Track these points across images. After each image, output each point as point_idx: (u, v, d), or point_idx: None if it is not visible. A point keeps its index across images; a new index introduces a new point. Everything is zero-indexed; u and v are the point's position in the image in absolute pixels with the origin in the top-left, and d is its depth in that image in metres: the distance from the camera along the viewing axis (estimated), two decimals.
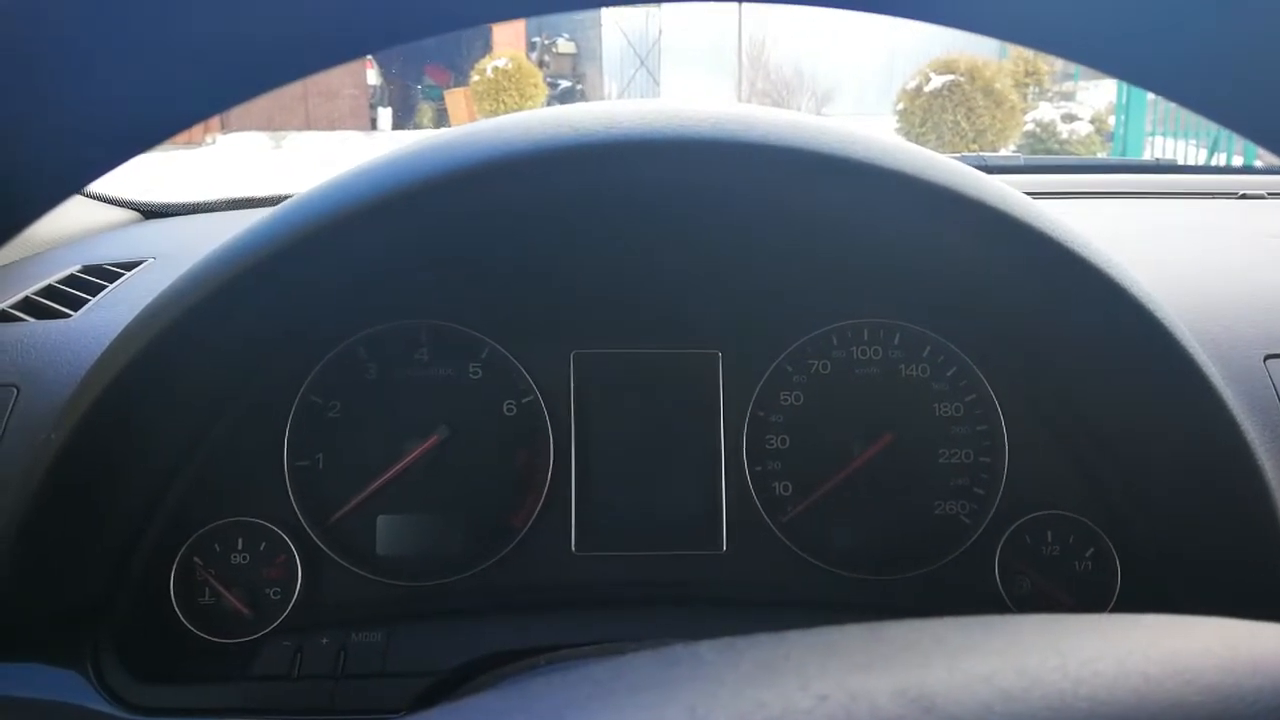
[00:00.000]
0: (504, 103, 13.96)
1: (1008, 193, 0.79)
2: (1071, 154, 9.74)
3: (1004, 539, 1.01)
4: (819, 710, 0.28)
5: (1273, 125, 0.37)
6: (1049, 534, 1.01)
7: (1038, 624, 0.34)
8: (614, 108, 0.77)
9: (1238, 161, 6.08)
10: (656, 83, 18.11)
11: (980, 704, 0.29)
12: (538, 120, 0.77)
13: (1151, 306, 0.80)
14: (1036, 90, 12.44)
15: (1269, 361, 0.93)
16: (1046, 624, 0.34)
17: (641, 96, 16.62)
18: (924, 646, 0.32)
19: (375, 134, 15.68)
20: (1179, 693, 0.29)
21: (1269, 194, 1.54)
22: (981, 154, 1.71)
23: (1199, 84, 0.37)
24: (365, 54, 0.36)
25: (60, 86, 0.32)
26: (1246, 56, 0.35)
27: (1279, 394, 0.90)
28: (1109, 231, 1.02)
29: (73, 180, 0.37)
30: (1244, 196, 1.53)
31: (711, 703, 0.29)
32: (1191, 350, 0.81)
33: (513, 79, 14.30)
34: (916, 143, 0.84)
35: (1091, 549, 1.00)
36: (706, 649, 0.33)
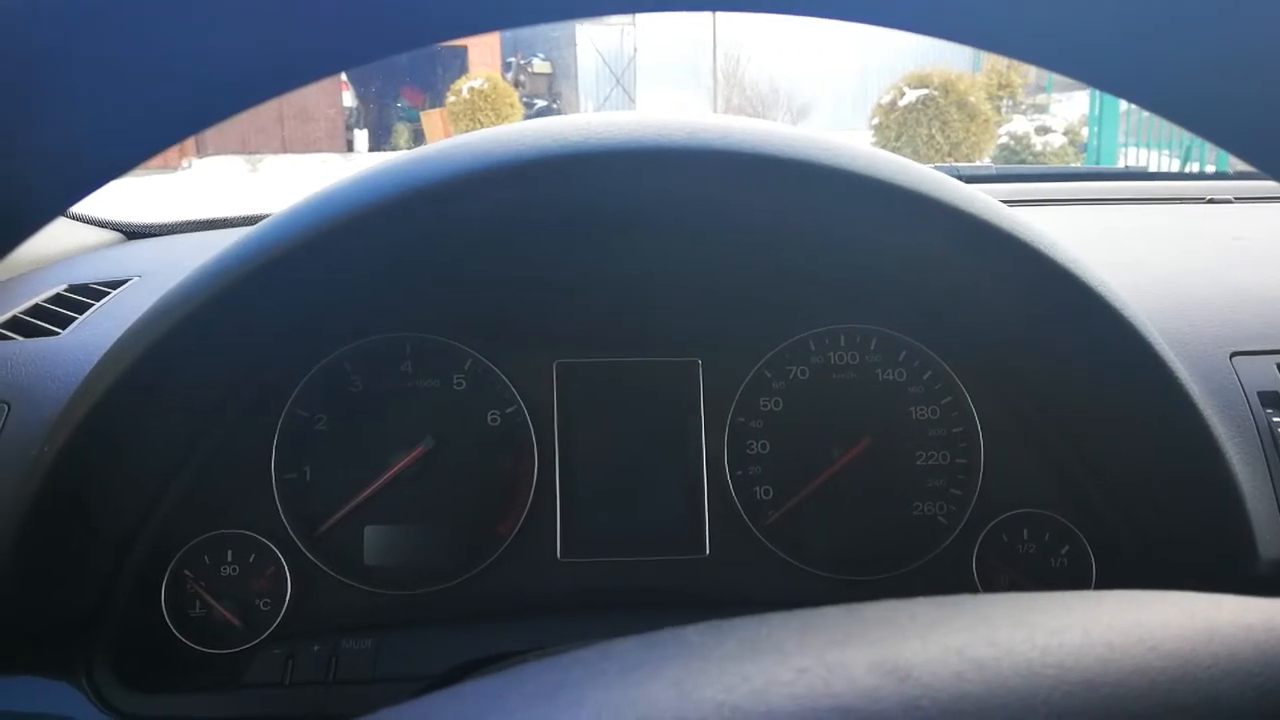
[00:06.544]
0: (480, 123, 13.99)
1: (979, 197, 0.81)
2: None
3: (981, 538, 1.03)
4: (800, 681, 0.30)
5: (1251, 134, 0.38)
6: (1025, 532, 1.03)
7: (1007, 601, 0.36)
8: (590, 118, 0.79)
9: (1210, 171, 6.13)
10: (632, 100, 18.14)
11: (953, 673, 0.30)
12: (515, 132, 0.78)
13: (1120, 306, 0.82)
14: (1010, 103, 12.56)
15: (1235, 358, 0.95)
16: (1015, 601, 0.36)
17: None
18: (899, 622, 0.33)
19: (352, 156, 15.64)
20: (1142, 659, 0.31)
21: (1235, 198, 1.56)
22: (956, 165, 1.73)
23: (1176, 93, 0.38)
24: (349, 67, 0.37)
25: (46, 109, 0.32)
26: (1227, 67, 0.36)
27: (1244, 389, 0.92)
28: (1079, 236, 1.04)
29: (59, 202, 0.37)
30: (1211, 201, 1.56)
31: (698, 678, 0.30)
32: (1159, 348, 0.83)
33: (489, 99, 14.34)
34: None
35: (1067, 546, 1.02)
36: (691, 632, 0.34)
